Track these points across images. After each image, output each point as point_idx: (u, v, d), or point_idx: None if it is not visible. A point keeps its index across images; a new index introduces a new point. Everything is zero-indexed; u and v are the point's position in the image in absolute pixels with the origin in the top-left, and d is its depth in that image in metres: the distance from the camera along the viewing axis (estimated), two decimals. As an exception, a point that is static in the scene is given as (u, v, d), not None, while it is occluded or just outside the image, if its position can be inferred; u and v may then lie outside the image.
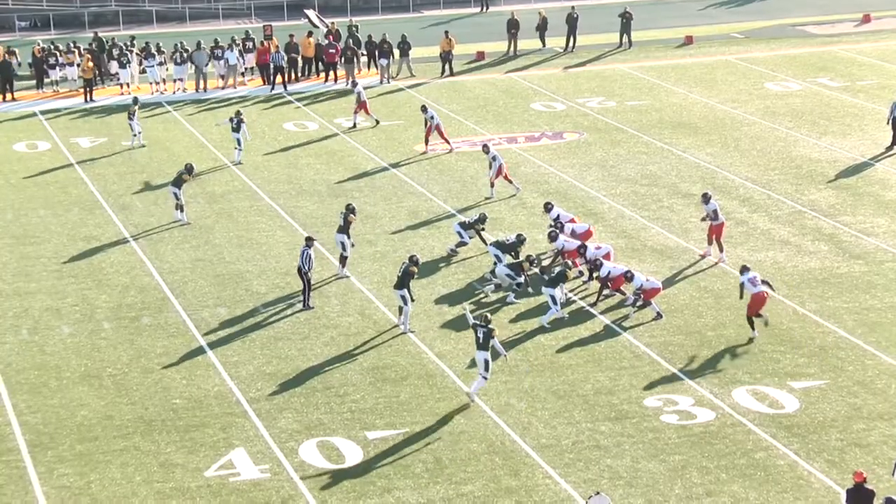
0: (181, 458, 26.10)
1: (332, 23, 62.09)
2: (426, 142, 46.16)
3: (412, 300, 31.76)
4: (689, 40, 62.63)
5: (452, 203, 40.67)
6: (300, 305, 33.05)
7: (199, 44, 56.48)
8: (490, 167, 41.28)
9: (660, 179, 42.94)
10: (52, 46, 57.84)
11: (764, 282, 30.87)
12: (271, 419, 27.53)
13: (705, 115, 50.50)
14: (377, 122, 49.48)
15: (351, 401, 28.36)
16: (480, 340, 27.93)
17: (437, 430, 27.03)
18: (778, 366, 29.65)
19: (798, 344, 30.72)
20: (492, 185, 41.33)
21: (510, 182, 41.43)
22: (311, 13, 68.66)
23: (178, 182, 39.16)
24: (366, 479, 25.24)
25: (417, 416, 27.61)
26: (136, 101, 48.04)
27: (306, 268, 33.03)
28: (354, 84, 51.16)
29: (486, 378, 27.95)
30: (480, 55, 60.50)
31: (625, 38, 62.07)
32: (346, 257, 35.21)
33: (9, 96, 54.40)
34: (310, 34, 59.37)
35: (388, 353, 30.63)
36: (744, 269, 31.07)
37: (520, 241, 34.76)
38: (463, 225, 36.27)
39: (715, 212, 35.47)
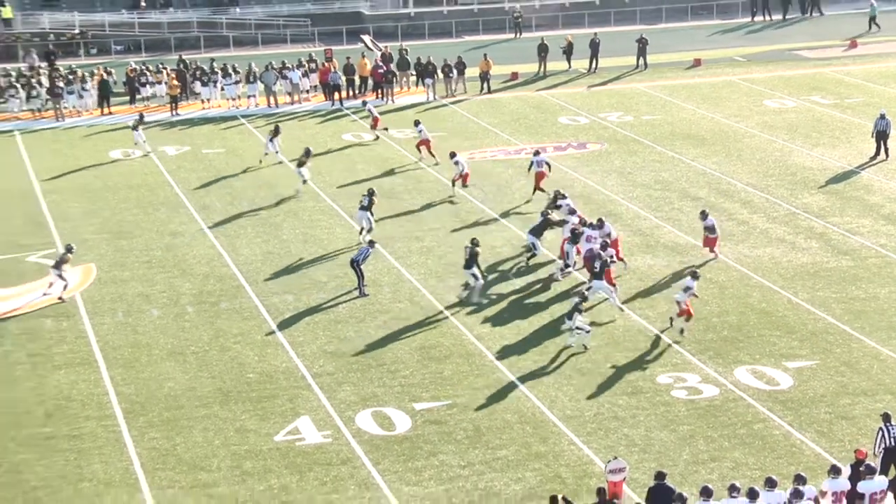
0: (254, 424, 26.24)
1: (386, 46, 62.16)
2: (419, 150, 46.12)
3: (483, 277, 32.44)
4: (697, 63, 62.36)
5: (489, 204, 40.67)
6: (356, 293, 33.14)
7: (268, 65, 56.66)
8: (455, 171, 42.27)
9: (671, 185, 42.82)
10: (143, 67, 58.19)
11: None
12: (332, 391, 27.65)
13: (711, 128, 50.29)
14: (378, 135, 49.50)
15: (401, 376, 28.44)
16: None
17: (476, 403, 27.09)
18: (774, 348, 29.58)
19: (792, 329, 30.63)
20: (453, 183, 42.25)
21: (465, 186, 42.20)
22: (367, 38, 68.72)
23: (301, 163, 41.74)
24: (414, 444, 25.33)
25: (459, 390, 27.68)
26: (141, 117, 47.96)
27: (353, 257, 33.28)
28: (364, 103, 51.81)
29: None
30: (514, 75, 60.43)
31: (641, 61, 61.89)
32: (369, 229, 36.79)
33: (106, 110, 54.66)
34: (364, 56, 59.45)
35: (434, 334, 30.69)
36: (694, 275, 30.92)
37: (546, 218, 34.83)
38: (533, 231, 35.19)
39: (712, 227, 35.22)
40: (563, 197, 36.69)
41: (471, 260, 32.68)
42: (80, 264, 35.63)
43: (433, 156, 45.62)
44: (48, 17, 69.07)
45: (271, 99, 55.80)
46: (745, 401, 26.92)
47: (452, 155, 43.26)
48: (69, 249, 33.81)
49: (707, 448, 25.00)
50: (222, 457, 24.92)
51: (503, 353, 29.46)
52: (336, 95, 55.84)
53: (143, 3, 70.95)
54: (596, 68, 61.37)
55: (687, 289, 30.34)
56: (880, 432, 22.84)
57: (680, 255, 35.86)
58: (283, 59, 58.50)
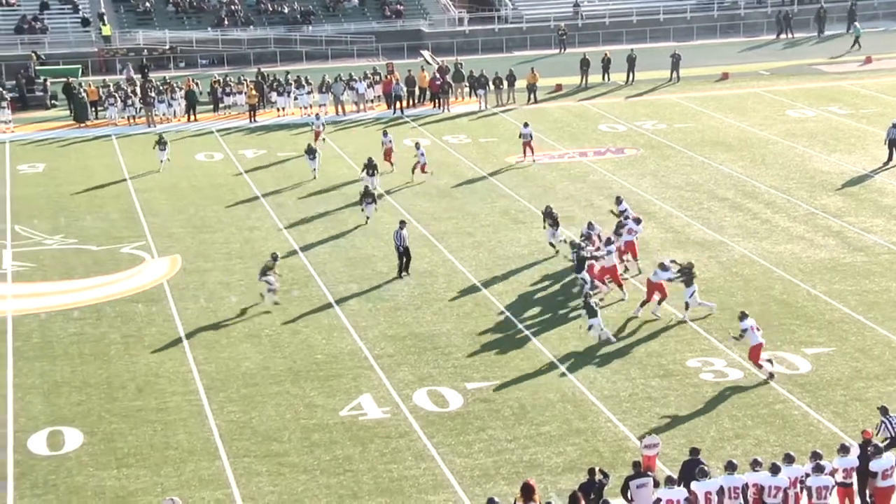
0: (321, 400, 26.22)
1: (443, 60, 62.01)
2: (388, 162, 44.69)
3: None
4: (725, 76, 61.72)
5: (535, 203, 40.42)
6: (413, 281, 33.04)
7: (337, 77, 56.71)
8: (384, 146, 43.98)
9: (700, 186, 42.38)
10: (225, 79, 58.43)
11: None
12: (391, 372, 27.58)
13: (738, 135, 49.74)
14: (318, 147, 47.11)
15: (454, 358, 28.32)
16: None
17: (522, 383, 26.92)
18: (794, 335, 29.17)
19: (810, 318, 30.20)
20: (413, 171, 43.14)
21: (424, 173, 43.08)
22: (426, 53, 68.62)
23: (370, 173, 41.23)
24: (465, 419, 25.21)
25: (506, 371, 27.52)
26: (161, 138, 46.36)
27: (398, 244, 33.30)
28: (318, 117, 50.68)
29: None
30: (559, 87, 60.08)
31: (674, 74, 61.36)
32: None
33: (192, 118, 54.95)
34: (423, 69, 59.37)
35: (484, 321, 30.53)
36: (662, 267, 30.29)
37: (578, 254, 31.85)
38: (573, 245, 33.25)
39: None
40: (620, 202, 35.89)
41: (579, 264, 31.56)
42: (166, 255, 35.79)
43: (391, 164, 44.48)
44: (142, 34, 69.50)
45: (339, 108, 55.86)
46: (767, 383, 26.55)
47: (417, 146, 44.18)
48: (275, 258, 32.04)
49: (732, 426, 24.69)
50: (293, 429, 24.91)
51: (546, 339, 29.25)
52: (398, 105, 55.74)
53: (226, 22, 71.22)
54: (633, 81, 60.90)
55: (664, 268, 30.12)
56: (882, 425, 22.39)
57: (708, 250, 35.46)
58: (351, 71, 58.51)
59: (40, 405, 26.11)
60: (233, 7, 72.23)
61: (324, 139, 48.70)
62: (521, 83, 57.30)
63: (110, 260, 35.67)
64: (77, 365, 28.23)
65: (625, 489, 20.59)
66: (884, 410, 22.65)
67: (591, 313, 28.69)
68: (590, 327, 28.78)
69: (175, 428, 24.99)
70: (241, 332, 30.06)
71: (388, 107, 56.63)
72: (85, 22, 70.09)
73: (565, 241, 34.40)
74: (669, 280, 30.13)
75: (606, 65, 61.07)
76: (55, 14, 70.87)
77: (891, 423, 22.32)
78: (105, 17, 70.08)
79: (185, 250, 36.40)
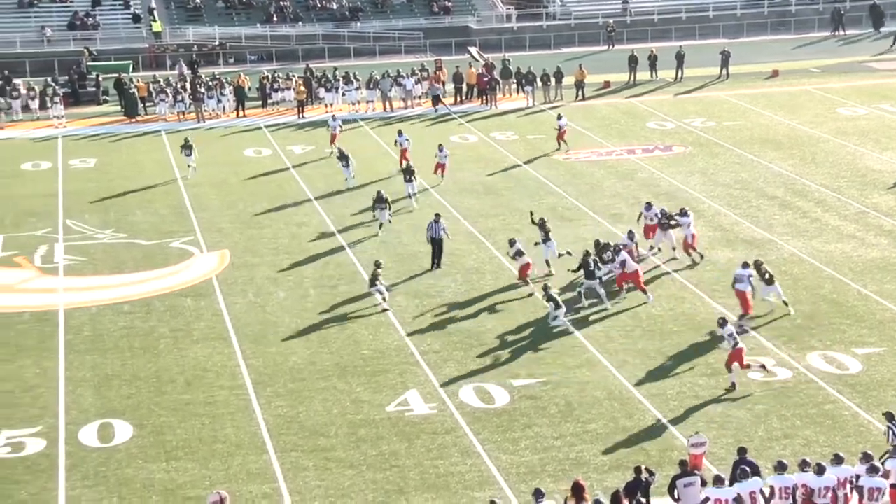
0: (368, 396, 26.29)
1: (490, 57, 61.97)
2: (401, 163, 43.70)
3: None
4: (775, 74, 61.20)
5: (582, 201, 40.32)
6: (460, 278, 33.03)
7: (385, 73, 56.83)
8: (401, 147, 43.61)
9: (749, 185, 42.07)
10: (273, 75, 58.72)
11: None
12: (438, 368, 27.60)
13: (788, 133, 49.32)
14: (332, 151, 46.21)
15: (500, 355, 28.30)
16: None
17: (568, 380, 26.86)
18: (844, 335, 28.89)
19: (861, 318, 29.89)
20: (401, 163, 43.03)
21: (407, 160, 42.58)
22: (473, 49, 68.52)
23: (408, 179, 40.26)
24: (511, 416, 25.19)
25: (553, 369, 27.47)
26: (186, 142, 45.20)
27: (433, 235, 33.70)
28: (334, 117, 48.63)
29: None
30: (607, 84, 59.85)
31: (724, 72, 60.97)
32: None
33: (241, 113, 55.25)
34: (471, 66, 59.36)
35: (530, 318, 30.49)
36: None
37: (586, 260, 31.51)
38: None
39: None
40: (650, 207, 35.54)
41: (588, 272, 31.37)
42: (215, 250, 36.03)
43: (406, 161, 43.42)
44: (192, 30, 69.99)
45: (387, 104, 55.98)
46: (816, 383, 26.33)
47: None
48: (378, 265, 31.82)
49: (780, 426, 24.50)
50: (339, 424, 25.00)
51: (594, 336, 29.17)
52: (437, 102, 55.47)
53: (275, 18, 71.55)
54: (681, 78, 60.53)
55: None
56: (889, 431, 22.03)
57: (757, 248, 35.19)
58: (398, 68, 58.59)
59: (91, 398, 26.38)
60: (282, 3, 72.55)
61: (339, 148, 45.24)
62: (568, 80, 57.14)
63: (160, 254, 35.96)
64: (127, 358, 28.49)
65: (672, 488, 20.49)
66: (889, 416, 22.26)
67: (556, 305, 29.35)
68: (554, 318, 29.49)
69: (223, 422, 25.16)
70: (289, 328, 30.20)
71: (433, 105, 56.64)
72: (136, 18, 70.68)
73: (569, 254, 33.33)
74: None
75: (654, 62, 60.77)
76: (107, 10, 71.51)
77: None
78: (156, 14, 70.63)
79: (234, 245, 36.62)
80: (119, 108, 56.53)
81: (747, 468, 20.31)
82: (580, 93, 57.11)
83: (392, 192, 41.32)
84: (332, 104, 55.97)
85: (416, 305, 31.47)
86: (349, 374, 27.40)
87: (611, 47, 70.41)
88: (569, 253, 33.25)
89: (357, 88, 56.09)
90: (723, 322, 26.73)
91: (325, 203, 40.80)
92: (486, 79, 56.65)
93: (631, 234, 33.31)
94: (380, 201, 37.18)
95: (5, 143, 50.76)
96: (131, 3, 71.79)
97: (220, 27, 70.20)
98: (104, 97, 58.99)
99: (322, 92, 56.58)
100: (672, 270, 33.07)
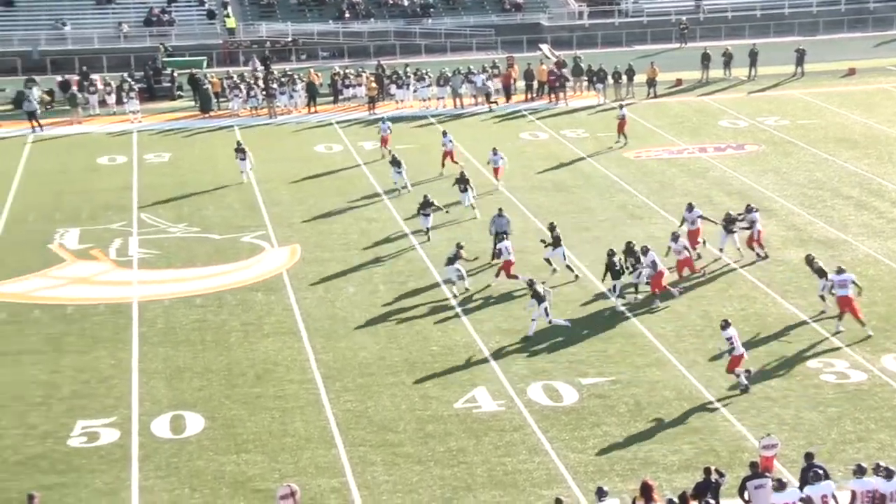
0: (436, 392, 26.34)
1: (560, 55, 61.75)
2: (443, 164, 43.49)
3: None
4: (851, 72, 60.36)
5: (653, 199, 40.07)
6: (530, 275, 32.92)
7: (456, 70, 56.89)
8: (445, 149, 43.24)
9: (824, 184, 41.53)
10: (345, 71, 59.04)
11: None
12: (506, 365, 27.57)
13: (864, 132, 48.59)
14: (387, 152, 45.33)
15: (569, 353, 28.21)
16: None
17: (638, 379, 26.70)
18: (920, 338, 28.44)
19: (938, 321, 29.40)
20: (443, 164, 43.08)
21: (455, 163, 42.84)
22: (545, 46, 68.41)
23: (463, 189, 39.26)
24: (580, 415, 25.10)
25: (622, 368, 27.32)
26: (239, 145, 44.34)
27: (497, 229, 33.85)
28: (383, 120, 47.91)
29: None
30: (679, 81, 59.40)
31: (799, 70, 60.24)
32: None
33: (313, 109, 55.60)
34: (542, 63, 59.23)
35: (599, 316, 30.36)
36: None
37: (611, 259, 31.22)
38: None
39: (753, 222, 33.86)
40: (692, 209, 34.66)
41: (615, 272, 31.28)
42: (286, 245, 36.31)
43: (456, 163, 43.20)
44: (266, 26, 70.60)
45: (457, 101, 56.03)
46: (891, 386, 25.91)
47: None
48: (459, 246, 32.21)
49: (854, 429, 24.15)
50: (408, 420, 25.07)
51: (663, 335, 28.96)
52: (489, 100, 55.20)
53: (347, 15, 71.91)
54: (755, 76, 59.90)
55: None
56: None
57: (831, 248, 34.73)
58: (469, 64, 58.61)
59: (163, 389, 26.72)
60: (354, 0, 72.89)
61: (389, 150, 44.95)
62: (640, 77, 56.78)
63: (231, 249, 36.31)
64: (199, 351, 28.81)
65: (742, 490, 20.31)
66: None
67: (539, 299, 28.95)
68: (531, 309, 29.27)
69: (293, 415, 25.34)
70: (359, 323, 30.33)
71: (507, 100, 56.63)
72: (210, 14, 71.44)
73: (569, 268, 33.06)
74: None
75: (729, 60, 60.19)
76: (182, 7, 72.36)
77: None
78: (230, 10, 71.33)
79: (305, 240, 36.86)
80: (193, 103, 57.18)
81: (819, 470, 20.06)
82: (652, 90, 56.77)
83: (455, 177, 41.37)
84: (402, 101, 56.15)
85: (484, 302, 31.44)
86: (418, 370, 27.47)
87: (683, 45, 69.86)
88: (575, 275, 32.81)
89: (428, 85, 56.20)
90: (725, 324, 26.31)
91: (394, 199, 40.91)
92: (554, 76, 56.49)
93: (675, 236, 32.68)
94: (425, 206, 36.08)
95: (82, 138, 51.56)
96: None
97: (293, 23, 70.73)
98: (178, 93, 59.71)
99: (393, 88, 56.77)
100: (742, 269, 32.72)
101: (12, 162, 47.19)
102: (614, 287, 30.84)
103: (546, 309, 29.11)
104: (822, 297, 29.61)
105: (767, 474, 20.59)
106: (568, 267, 33.01)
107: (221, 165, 46.11)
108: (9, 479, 22.92)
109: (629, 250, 31.61)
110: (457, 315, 30.56)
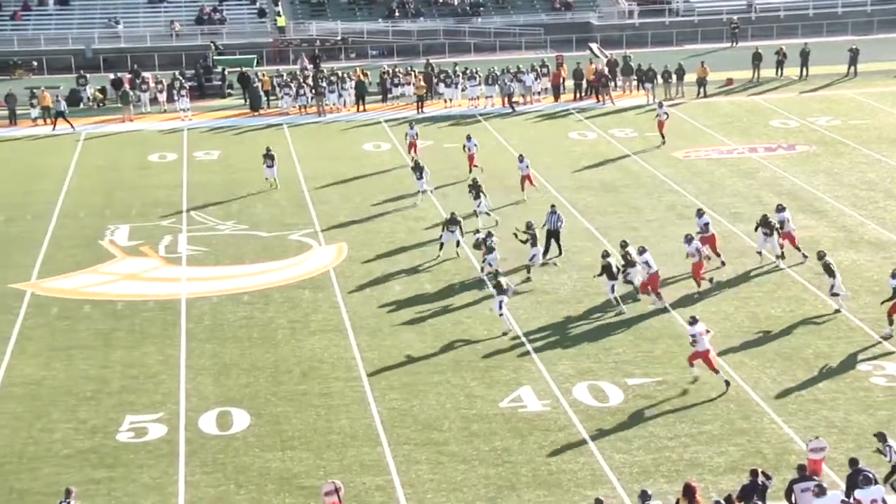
0: (481, 391, 26.34)
1: (611, 54, 61.53)
2: (470, 169, 42.87)
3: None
4: (905, 71, 59.80)
5: (702, 199, 39.80)
6: (575, 275, 32.85)
7: (505, 69, 56.84)
8: (469, 152, 42.78)
9: (877, 185, 41.07)
10: (394, 69, 59.17)
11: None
12: (552, 365, 27.52)
13: (917, 132, 48.08)
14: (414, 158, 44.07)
15: (615, 353, 28.11)
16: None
17: (684, 380, 26.55)
18: (972, 342, 28.06)
19: None
20: (470, 169, 42.61)
21: (476, 166, 42.46)
22: (594, 46, 68.18)
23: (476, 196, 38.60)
24: (625, 415, 25.00)
25: (668, 368, 27.18)
26: (268, 151, 42.75)
27: (549, 227, 34.05)
28: (411, 125, 46.99)
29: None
30: (730, 81, 58.97)
31: (851, 69, 59.62)
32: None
33: (362, 108, 55.76)
34: (592, 62, 59.03)
35: (646, 317, 30.22)
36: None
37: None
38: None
39: (783, 221, 33.51)
40: (701, 215, 34.37)
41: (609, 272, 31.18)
42: (333, 243, 36.45)
43: (478, 167, 42.79)
44: (315, 25, 70.92)
45: (506, 100, 55.95)
46: (941, 391, 25.62)
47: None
48: (490, 235, 32.48)
49: (903, 433, 23.87)
50: (453, 419, 25.09)
51: (711, 337, 28.70)
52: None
53: (396, 13, 72.07)
54: (807, 76, 59.36)
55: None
56: (888, 449, 21.17)
57: (883, 251, 34.34)
58: (518, 63, 58.55)
59: (210, 386, 26.92)
60: (403, -1, 73.10)
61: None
62: (690, 77, 56.44)
63: (279, 246, 36.49)
64: (245, 348, 29.00)
65: (789, 492, 20.14)
66: (882, 437, 21.43)
67: (499, 291, 29.46)
68: (498, 304, 29.64)
69: (338, 413, 25.44)
70: (404, 321, 30.39)
71: (556, 99, 56.51)
72: (261, 13, 71.88)
73: (556, 264, 33.44)
74: None
75: (781, 59, 59.68)
76: (233, 5, 72.86)
77: (891, 449, 21.18)
78: (280, 9, 71.72)
79: (352, 239, 36.97)
80: (243, 101, 57.54)
81: (869, 474, 19.84)
82: (702, 90, 56.41)
83: (507, 186, 41.36)
84: (451, 99, 56.18)
85: (531, 302, 31.41)
86: (463, 368, 27.48)
87: (734, 44, 69.37)
88: (555, 264, 33.14)
89: (477, 84, 56.18)
90: (693, 320, 26.41)
91: (441, 197, 40.94)
92: (598, 76, 56.28)
93: (688, 238, 32.13)
94: (451, 223, 34.61)
95: (134, 135, 52.05)
96: (257, -2, 73.09)
97: (343, 22, 71.00)
98: (229, 91, 60.11)
99: (442, 87, 56.81)
100: (791, 270, 32.44)
101: (65, 159, 47.74)
102: (612, 287, 30.72)
103: (501, 303, 29.52)
104: (835, 294, 29.58)
105: (815, 477, 20.40)
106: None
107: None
108: (59, 473, 23.19)
109: (625, 247, 31.61)
110: (503, 315, 30.50)
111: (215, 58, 63.91)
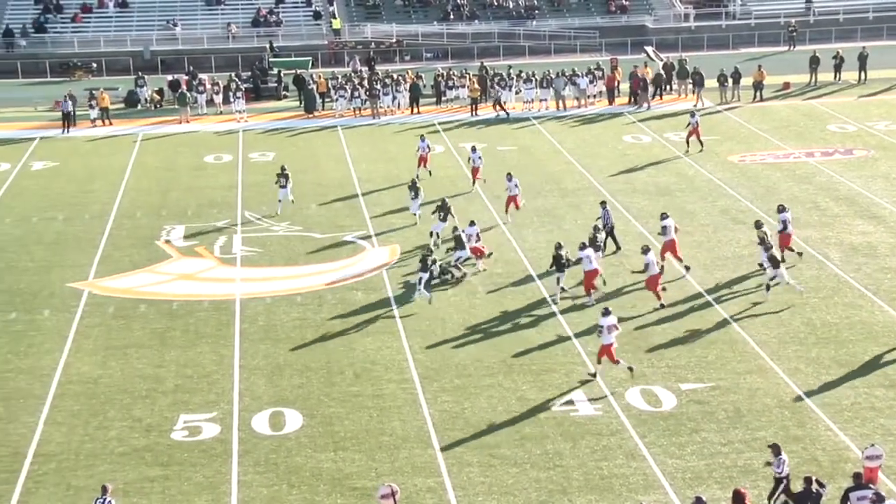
0: (533, 394, 26.28)
1: (668, 57, 61.19)
2: (473, 182, 42.12)
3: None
4: (966, 75, 58.97)
5: (757, 204, 39.49)
6: (629, 279, 32.71)
7: (559, 72, 56.71)
8: (473, 165, 41.88)
9: (935, 190, 40.59)
10: (448, 72, 59.22)
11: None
12: (604, 368, 27.32)
13: (978, 137, 47.37)
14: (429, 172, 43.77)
15: (668, 358, 27.95)
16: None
17: (738, 386, 26.35)
18: None
19: None
20: (473, 182, 42.06)
21: (478, 179, 41.96)
22: (650, 49, 67.87)
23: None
24: (678, 420, 24.85)
25: (722, 374, 26.98)
26: (283, 170, 40.29)
27: (606, 223, 34.55)
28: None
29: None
30: (786, 85, 58.48)
31: (913, 73, 59.07)
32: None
33: (416, 110, 55.87)
34: (647, 66, 58.75)
35: (700, 322, 30.02)
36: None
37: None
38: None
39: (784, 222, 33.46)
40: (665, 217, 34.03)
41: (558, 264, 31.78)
42: (386, 245, 36.53)
43: (482, 180, 42.13)
44: (370, 27, 71.17)
45: (560, 103, 55.84)
46: None
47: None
48: (559, 247, 31.89)
49: (961, 443, 23.54)
50: (503, 421, 25.05)
51: (765, 342, 28.53)
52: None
53: (451, 16, 72.14)
54: (865, 80, 58.70)
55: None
56: (779, 461, 20.95)
57: (941, 257, 33.90)
58: (573, 66, 58.36)
59: (264, 386, 27.08)
60: (459, 1, 73.12)
61: (429, 172, 43.68)
62: (746, 80, 56.00)
63: (332, 248, 36.63)
64: (299, 349, 29.13)
65: (844, 501, 19.94)
66: (776, 449, 21.13)
67: (423, 268, 31.22)
68: (419, 280, 31.17)
69: (390, 415, 25.49)
70: (457, 324, 30.39)
71: (610, 102, 56.31)
72: (317, 15, 72.27)
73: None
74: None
75: (841, 64, 59.06)
76: (289, 8, 73.32)
77: (783, 462, 20.90)
78: (336, 11, 72.06)
79: (404, 240, 37.02)
80: (298, 103, 57.86)
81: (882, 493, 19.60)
82: (758, 94, 55.95)
83: (563, 189, 41.24)
84: (505, 102, 56.12)
85: (583, 305, 31.28)
86: (515, 371, 27.44)
87: (792, 48, 68.78)
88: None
89: (532, 87, 56.09)
90: (606, 311, 27.25)
91: (495, 200, 40.90)
92: (636, 79, 55.98)
93: (645, 249, 31.58)
94: (458, 243, 34.46)
95: (190, 137, 52.51)
96: (313, 0, 73.42)
97: (398, 24, 71.21)
98: (284, 93, 60.47)
99: (496, 89, 56.74)
100: (849, 276, 32.08)
101: (123, 159, 48.26)
102: (558, 279, 31.41)
103: (421, 279, 31.04)
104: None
105: (872, 486, 20.17)
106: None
107: (324, 165, 46.59)
108: (114, 470, 23.43)
109: (558, 248, 31.95)
110: (555, 317, 30.45)
111: (271, 60, 64.33)
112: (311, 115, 55.92)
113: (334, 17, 71.51)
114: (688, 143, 46.57)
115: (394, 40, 70.19)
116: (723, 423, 24.66)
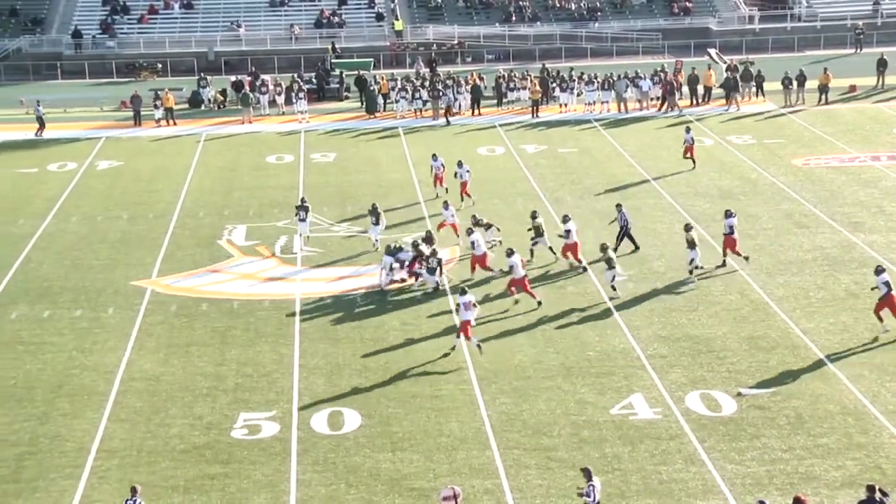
0: (592, 397, 26.18)
1: (732, 59, 60.67)
2: (462, 197, 40.49)
3: None
4: None
5: (820, 208, 39.04)
6: (692, 285, 32.48)
7: (621, 74, 56.45)
8: (461, 179, 40.49)
9: None
10: (510, 74, 59.15)
11: None
12: (664, 373, 27.24)
13: None
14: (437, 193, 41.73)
15: (728, 363, 27.71)
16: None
17: (800, 392, 26.06)
18: None
19: None
20: (461, 195, 40.41)
21: (468, 195, 40.48)
22: (713, 51, 67.36)
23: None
24: (738, 426, 24.63)
25: (783, 379, 26.71)
26: (303, 203, 37.66)
27: (627, 224, 34.94)
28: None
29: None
30: (852, 88, 57.77)
31: None
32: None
33: (477, 112, 55.86)
34: (710, 68, 58.30)
35: (761, 326, 29.74)
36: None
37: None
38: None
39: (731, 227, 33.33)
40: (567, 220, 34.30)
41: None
42: (446, 246, 36.56)
43: (469, 196, 40.89)
44: (432, 29, 71.31)
45: (622, 105, 55.58)
46: None
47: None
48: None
49: None
50: (562, 424, 24.98)
51: (828, 347, 28.19)
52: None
53: (513, 18, 72.08)
54: (933, 82, 57.91)
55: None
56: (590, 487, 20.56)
57: None
58: (636, 69, 58.08)
59: (323, 385, 27.21)
60: (521, 3, 73.04)
61: (446, 189, 41.39)
62: (811, 83, 55.39)
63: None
64: (358, 349, 29.25)
65: (907, 510, 19.65)
66: (587, 473, 20.78)
67: (389, 252, 32.99)
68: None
69: (448, 416, 25.51)
70: (516, 325, 30.35)
71: (661, 107, 55.89)
72: (379, 17, 72.54)
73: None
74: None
75: (902, 65, 58.34)
76: (352, 9, 73.67)
77: (594, 489, 20.54)
78: (398, 13, 72.27)
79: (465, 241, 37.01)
80: (360, 104, 58.10)
81: None
82: (823, 97, 55.31)
83: (624, 193, 41.05)
84: (566, 104, 55.98)
85: (643, 308, 31.14)
86: (574, 374, 27.35)
87: (858, 50, 67.91)
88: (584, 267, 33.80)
89: (594, 89, 55.89)
90: (462, 291, 28.89)
91: (556, 202, 40.79)
92: (663, 83, 55.50)
93: (509, 252, 31.80)
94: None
95: (253, 137, 52.92)
96: (376, 2, 73.69)
97: (460, 26, 71.28)
98: (346, 94, 60.76)
99: (557, 91, 56.64)
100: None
101: (186, 159, 48.76)
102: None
103: (391, 265, 32.83)
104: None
105: (935, 496, 19.88)
106: (550, 249, 34.55)
107: (385, 166, 46.74)
108: (175, 468, 23.67)
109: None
110: (614, 320, 30.31)
111: (333, 61, 64.65)
112: (372, 116, 56.12)
113: (396, 19, 71.74)
114: (684, 157, 45.10)
115: (455, 42, 70.27)
116: (784, 429, 24.40)
